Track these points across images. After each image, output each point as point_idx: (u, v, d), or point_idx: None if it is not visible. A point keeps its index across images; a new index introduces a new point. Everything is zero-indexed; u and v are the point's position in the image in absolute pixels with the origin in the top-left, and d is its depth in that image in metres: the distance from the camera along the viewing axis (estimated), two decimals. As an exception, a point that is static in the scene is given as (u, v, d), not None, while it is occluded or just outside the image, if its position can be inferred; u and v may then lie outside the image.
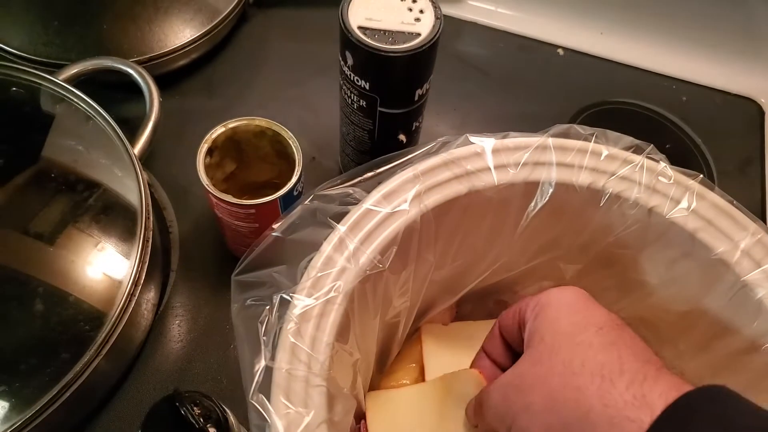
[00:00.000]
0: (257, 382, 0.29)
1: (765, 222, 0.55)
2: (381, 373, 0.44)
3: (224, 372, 0.46)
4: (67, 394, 0.38)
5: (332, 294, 0.32)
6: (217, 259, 0.50)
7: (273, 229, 0.35)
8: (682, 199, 0.36)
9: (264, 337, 0.30)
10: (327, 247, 0.33)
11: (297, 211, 0.35)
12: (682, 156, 0.58)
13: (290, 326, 0.31)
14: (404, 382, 0.42)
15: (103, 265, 0.43)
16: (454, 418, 0.41)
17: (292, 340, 0.31)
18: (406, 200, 0.34)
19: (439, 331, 0.44)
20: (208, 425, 0.35)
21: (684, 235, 0.36)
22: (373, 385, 0.43)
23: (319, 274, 0.32)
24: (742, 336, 0.35)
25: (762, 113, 0.62)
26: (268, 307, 0.31)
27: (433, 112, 0.52)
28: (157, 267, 0.48)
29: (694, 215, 0.36)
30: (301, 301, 0.31)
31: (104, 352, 0.40)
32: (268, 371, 0.30)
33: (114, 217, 0.45)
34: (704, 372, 0.38)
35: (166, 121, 0.52)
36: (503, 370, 0.34)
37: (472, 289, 0.44)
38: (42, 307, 0.41)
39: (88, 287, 0.42)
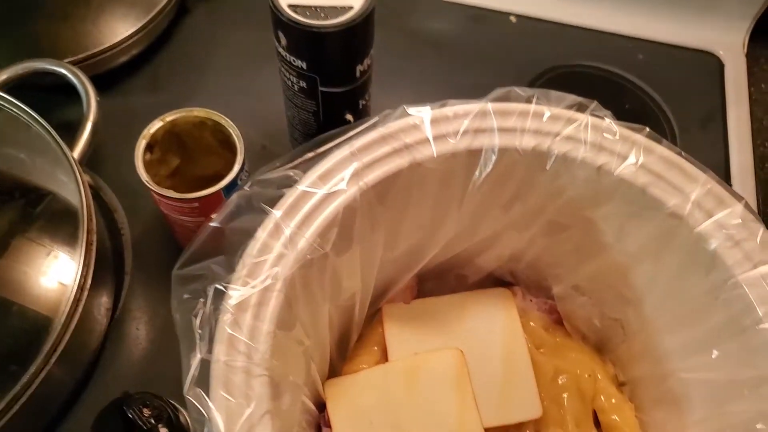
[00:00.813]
0: (192, 376, 0.28)
1: (729, 177, 0.54)
2: (343, 360, 0.43)
3: (185, 371, 0.45)
4: (17, 405, 0.37)
5: (269, 281, 0.31)
6: (171, 258, 0.48)
7: (212, 219, 0.34)
8: (629, 154, 0.35)
9: (199, 331, 0.29)
10: (262, 234, 0.32)
11: (233, 198, 0.34)
12: (643, 115, 0.57)
13: (226, 317, 0.30)
14: (363, 366, 0.41)
15: (49, 272, 0.42)
16: (425, 397, 0.40)
17: (229, 331, 0.29)
18: (344, 179, 0.33)
19: (400, 311, 0.43)
20: (160, 425, 0.34)
21: (635, 192, 0.35)
22: (336, 372, 0.42)
23: (255, 261, 0.31)
24: (699, 289, 0.35)
25: (721, 66, 0.61)
26: (202, 300, 0.30)
27: (386, 89, 0.50)
28: (109, 271, 0.47)
29: (644, 170, 0.35)
30: (236, 291, 0.30)
31: (54, 359, 0.38)
32: (207, 365, 0.29)
33: (57, 223, 0.44)
34: (670, 327, 0.38)
35: (111, 122, 0.50)
36: None
37: (430, 266, 0.43)
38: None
39: (34, 296, 0.41)
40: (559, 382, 0.42)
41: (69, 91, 0.49)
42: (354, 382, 0.41)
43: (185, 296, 0.31)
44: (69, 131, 0.46)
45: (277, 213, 0.32)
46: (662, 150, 0.35)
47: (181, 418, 0.35)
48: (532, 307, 0.44)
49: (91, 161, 0.52)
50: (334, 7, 0.40)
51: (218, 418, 0.27)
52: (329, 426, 0.39)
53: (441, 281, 0.46)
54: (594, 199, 0.37)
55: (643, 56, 0.61)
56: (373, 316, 0.44)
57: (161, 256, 0.49)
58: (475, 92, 0.52)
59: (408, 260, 0.41)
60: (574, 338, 0.44)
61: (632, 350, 0.41)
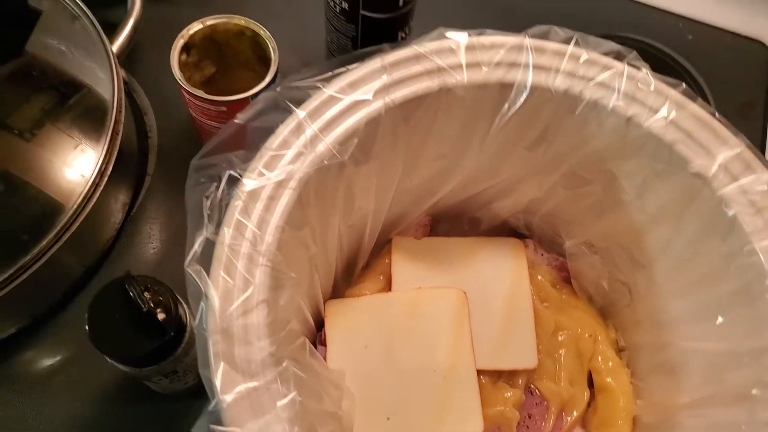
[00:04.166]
0: (195, 251, 0.28)
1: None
2: (348, 284, 0.43)
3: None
4: (25, 275, 0.38)
5: (284, 176, 0.31)
6: (194, 165, 0.50)
7: (237, 117, 0.34)
8: (661, 108, 0.34)
9: (208, 212, 0.30)
10: (284, 130, 0.32)
11: (260, 98, 0.34)
12: (684, 96, 0.56)
13: (237, 203, 0.30)
14: (366, 293, 0.41)
15: (74, 163, 0.42)
16: (423, 331, 0.40)
17: (239, 217, 0.30)
18: (371, 90, 0.33)
19: (410, 245, 0.43)
20: (158, 310, 0.35)
21: (662, 148, 0.34)
22: (339, 295, 0.42)
23: (273, 154, 0.31)
24: (714, 255, 0.34)
25: (772, 57, 0.59)
26: (215, 184, 0.30)
27: (426, 24, 0.50)
28: (131, 169, 0.48)
29: (674, 127, 0.34)
30: (250, 180, 0.30)
31: (65, 238, 0.40)
32: (212, 246, 0.29)
33: (89, 118, 0.44)
34: (678, 293, 0.37)
35: (154, 31, 0.51)
36: None
37: (446, 204, 0.43)
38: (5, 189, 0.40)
39: (55, 183, 0.41)
40: (559, 337, 0.42)
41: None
42: (355, 305, 0.41)
43: (200, 180, 0.31)
44: (110, 32, 0.47)
45: (301, 113, 0.32)
46: (695, 108, 0.34)
47: (181, 310, 0.36)
48: (542, 261, 0.44)
49: (129, 64, 0.53)
50: (387, -72, 0.39)
51: (215, 296, 0.28)
52: (324, 345, 0.40)
53: (455, 224, 0.46)
54: (619, 152, 0.36)
55: (693, 37, 0.59)
56: (383, 247, 0.44)
57: (185, 162, 0.49)
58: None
59: (424, 192, 0.40)
60: (580, 298, 0.44)
61: (636, 315, 0.41)
